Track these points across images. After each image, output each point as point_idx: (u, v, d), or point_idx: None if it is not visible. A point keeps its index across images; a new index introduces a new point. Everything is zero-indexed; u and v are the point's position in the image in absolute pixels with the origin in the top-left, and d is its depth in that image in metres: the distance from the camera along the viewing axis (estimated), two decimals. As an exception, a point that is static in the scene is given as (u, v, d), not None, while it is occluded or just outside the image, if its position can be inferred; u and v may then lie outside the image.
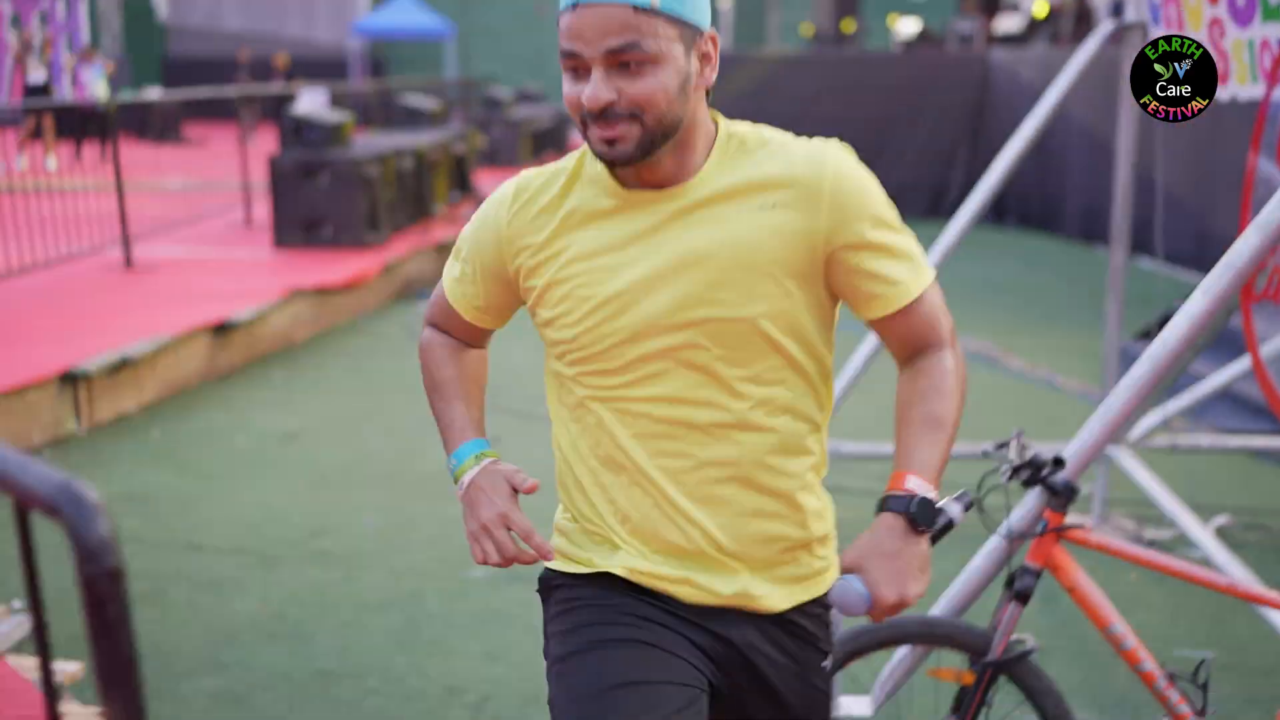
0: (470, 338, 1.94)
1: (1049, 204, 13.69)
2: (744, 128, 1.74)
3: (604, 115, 1.60)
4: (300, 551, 4.75)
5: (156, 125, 19.98)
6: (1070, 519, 3.18)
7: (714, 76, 1.68)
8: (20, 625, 3.65)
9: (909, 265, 1.71)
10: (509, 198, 1.80)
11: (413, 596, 4.29)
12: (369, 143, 11.24)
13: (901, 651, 2.92)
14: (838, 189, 1.66)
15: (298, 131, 10.14)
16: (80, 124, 17.96)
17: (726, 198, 1.68)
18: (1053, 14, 17.85)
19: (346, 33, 27.12)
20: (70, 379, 6.04)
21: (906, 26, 19.89)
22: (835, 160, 1.69)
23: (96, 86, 18.87)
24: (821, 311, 1.73)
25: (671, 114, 1.62)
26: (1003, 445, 2.60)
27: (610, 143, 1.61)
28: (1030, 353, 8.10)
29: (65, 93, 19.21)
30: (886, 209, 1.72)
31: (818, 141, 1.72)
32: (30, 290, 7.99)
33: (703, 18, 1.65)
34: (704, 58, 1.66)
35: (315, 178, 9.89)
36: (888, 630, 2.65)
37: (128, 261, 9.09)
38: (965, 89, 14.83)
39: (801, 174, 1.67)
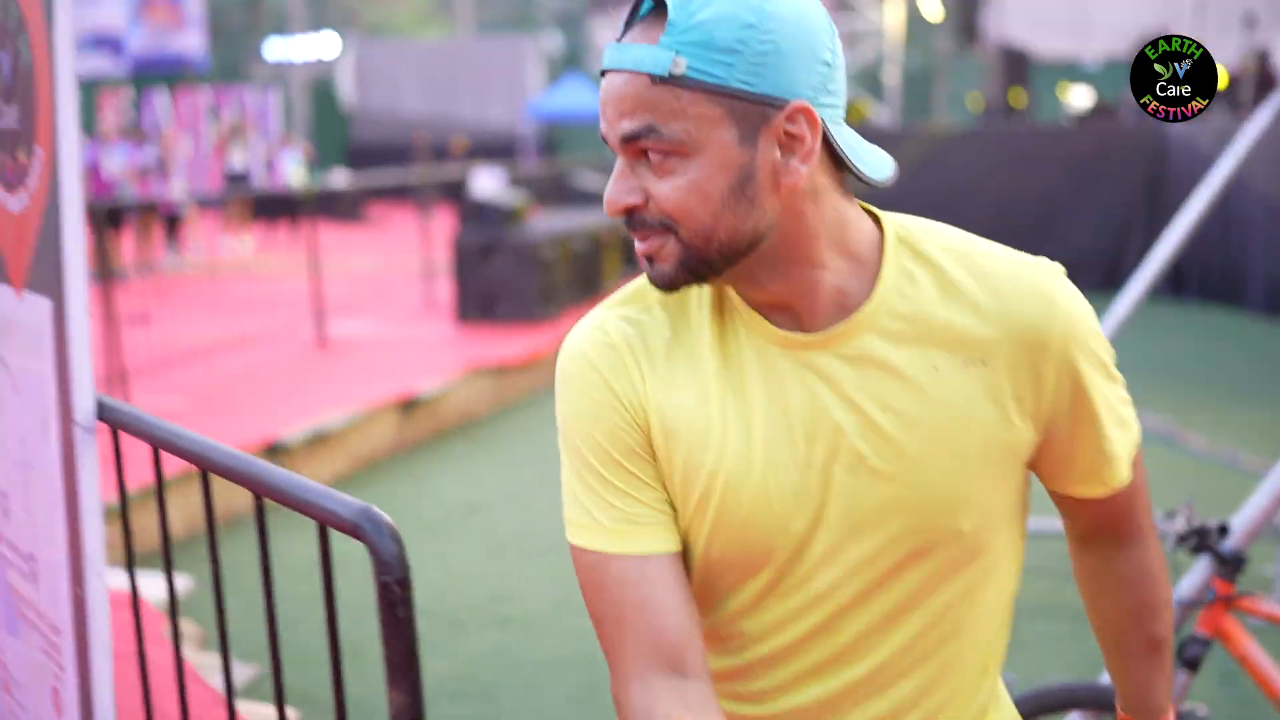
0: (681, 613, 1.20)
1: (1231, 276, 13.33)
2: (922, 231, 1.23)
3: (631, 223, 1.17)
4: (484, 615, 4.99)
5: (341, 207, 21.06)
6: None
7: (804, 168, 1.14)
8: (243, 672, 3.96)
9: (1127, 432, 1.27)
10: (618, 339, 1.24)
11: (591, 659, 4.47)
12: (544, 224, 11.70)
13: (1073, 717, 2.96)
14: (1068, 340, 1.18)
15: (478, 214, 10.65)
16: (276, 208, 19.14)
17: (913, 344, 1.19)
18: (1232, 81, 17.47)
19: (519, 114, 28.13)
20: (273, 450, 6.47)
21: (1078, 97, 19.67)
22: (1065, 300, 1.20)
23: (293, 172, 20.04)
24: (1025, 490, 1.29)
25: (724, 225, 1.14)
26: (1171, 515, 2.66)
27: (650, 260, 1.18)
28: (1212, 430, 7.91)
29: (262, 179, 20.43)
30: (1111, 355, 1.25)
31: (1030, 264, 1.21)
32: (235, 366, 8.56)
33: (776, 83, 1.11)
34: (789, 141, 1.13)
35: (494, 258, 10.36)
36: (1059, 694, 2.71)
37: (321, 339, 9.65)
38: (1140, 161, 14.61)
39: (1019, 317, 1.18)
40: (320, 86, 30.07)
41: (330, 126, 30.08)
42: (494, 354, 9.08)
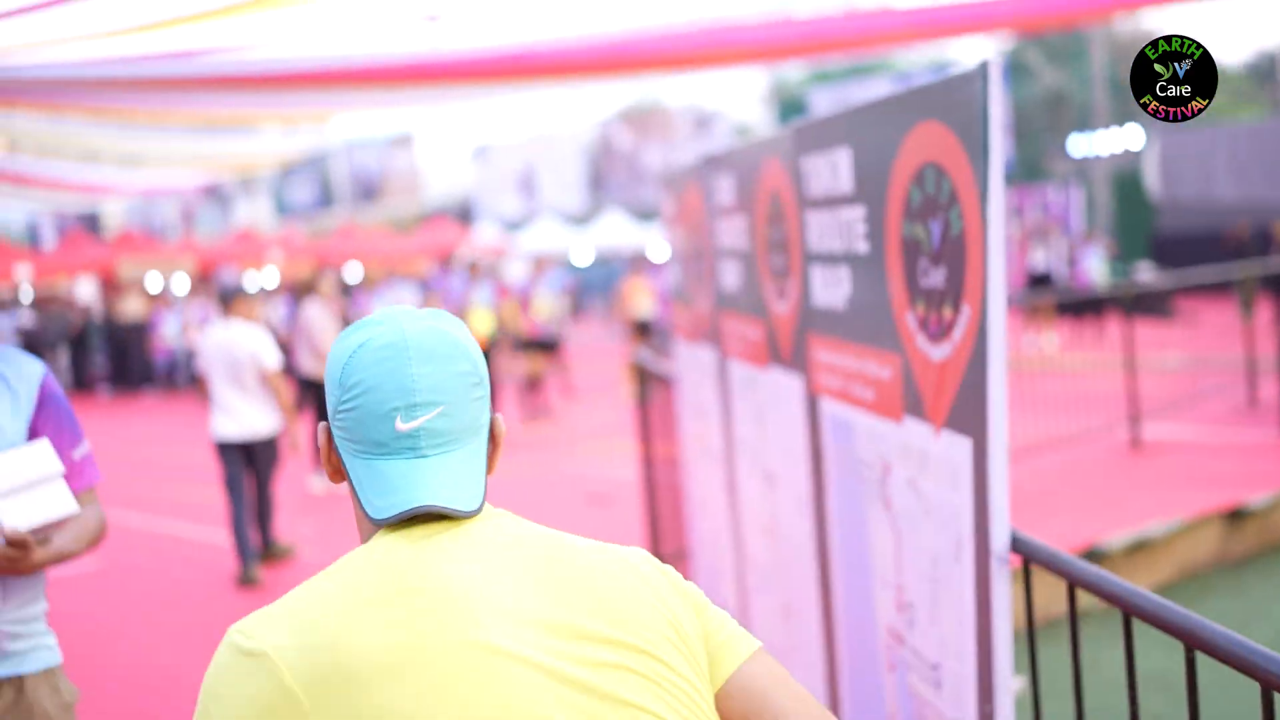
0: None
1: None
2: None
3: None
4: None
5: (1149, 303, 20.34)
6: None
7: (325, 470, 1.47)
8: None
9: None
10: None
11: None
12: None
13: None
14: None
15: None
16: (1080, 305, 19.02)
17: None
18: None
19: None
20: (1092, 555, 6.42)
21: None
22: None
23: (1095, 269, 19.86)
24: None
25: None
26: None
27: None
28: None
29: (1064, 277, 20.46)
30: None
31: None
32: (1047, 465, 8.62)
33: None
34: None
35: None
36: None
37: (1135, 441, 9.38)
38: None
39: None
40: (1123, 179, 29.45)
41: (1134, 219, 29.29)
42: (1335, 466, 8.22)
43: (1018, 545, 1.81)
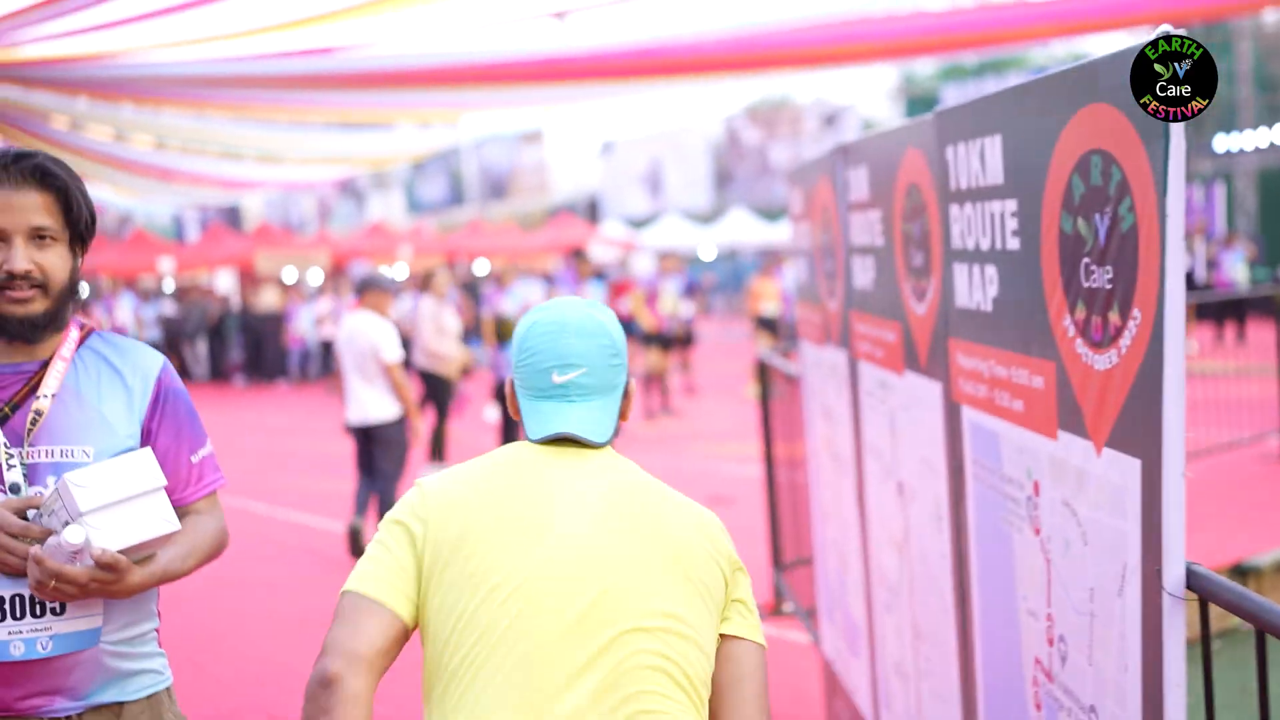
0: None
1: None
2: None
3: None
4: None
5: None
6: None
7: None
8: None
9: None
10: None
11: None
12: None
13: None
14: None
15: None
16: (1220, 308, 18.23)
17: None
18: None
19: None
20: (1240, 571, 6.06)
21: None
22: None
23: (1236, 271, 19.04)
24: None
25: None
26: None
27: None
28: None
29: (1202, 278, 19.67)
30: None
31: None
32: (1190, 476, 8.19)
33: None
34: None
35: None
36: None
37: (1289, 452, 8.90)
38: None
39: None
40: (1269, 177, 28.13)
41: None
42: None
43: (1194, 581, 1.61)
